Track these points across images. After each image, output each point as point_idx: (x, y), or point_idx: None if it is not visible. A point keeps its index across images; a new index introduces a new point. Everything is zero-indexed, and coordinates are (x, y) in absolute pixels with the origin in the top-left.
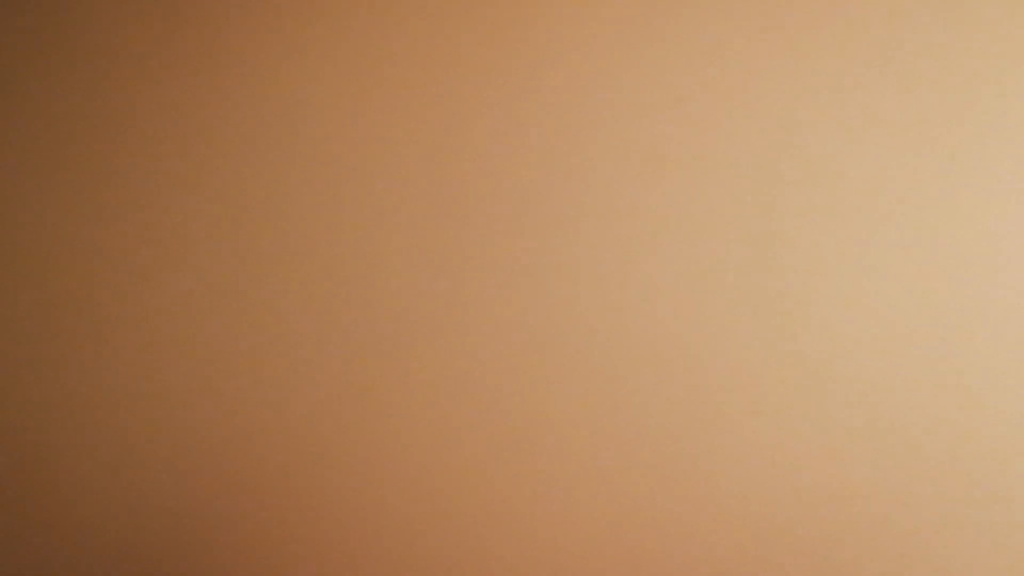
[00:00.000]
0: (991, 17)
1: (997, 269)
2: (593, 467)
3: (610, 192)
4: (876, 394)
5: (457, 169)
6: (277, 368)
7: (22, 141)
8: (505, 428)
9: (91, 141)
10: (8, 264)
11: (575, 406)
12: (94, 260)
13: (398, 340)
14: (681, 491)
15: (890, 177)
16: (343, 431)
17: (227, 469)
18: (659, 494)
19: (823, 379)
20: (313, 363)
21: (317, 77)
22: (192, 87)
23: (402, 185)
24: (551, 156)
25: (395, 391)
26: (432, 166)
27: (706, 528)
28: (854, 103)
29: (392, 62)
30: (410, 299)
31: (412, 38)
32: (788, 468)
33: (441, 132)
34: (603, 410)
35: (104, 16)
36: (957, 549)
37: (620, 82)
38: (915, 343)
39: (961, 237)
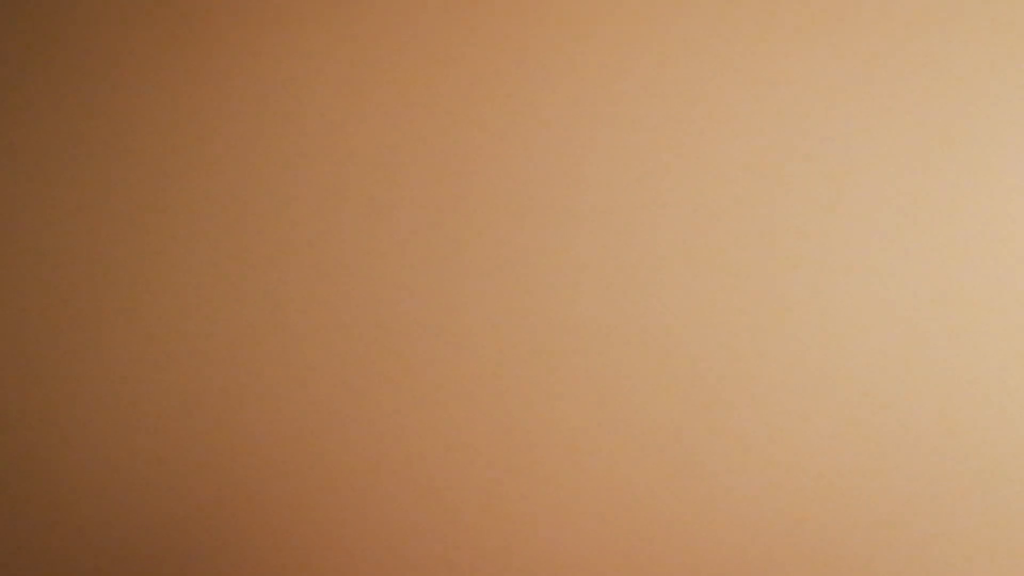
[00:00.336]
0: (992, 17)
1: (999, 268)
2: (594, 467)
3: (611, 192)
4: (878, 393)
5: (457, 169)
6: (278, 368)
7: (22, 141)
8: (506, 428)
9: (91, 141)
10: (8, 264)
11: (576, 406)
12: (95, 260)
13: (399, 340)
14: (682, 490)
15: (890, 176)
16: (343, 431)
17: (227, 469)
18: (660, 493)
19: (824, 378)
20: (314, 363)
21: (317, 78)
22: (192, 87)
23: (402, 185)
24: (551, 156)
25: (396, 391)
26: (432, 166)
27: (708, 527)
28: (854, 103)
29: (392, 62)
30: (411, 299)
31: (412, 38)
32: (790, 467)
33: (441, 132)
34: (603, 410)
35: (104, 16)
36: (958, 549)
37: (621, 82)
38: (917, 342)
39: (962, 236)
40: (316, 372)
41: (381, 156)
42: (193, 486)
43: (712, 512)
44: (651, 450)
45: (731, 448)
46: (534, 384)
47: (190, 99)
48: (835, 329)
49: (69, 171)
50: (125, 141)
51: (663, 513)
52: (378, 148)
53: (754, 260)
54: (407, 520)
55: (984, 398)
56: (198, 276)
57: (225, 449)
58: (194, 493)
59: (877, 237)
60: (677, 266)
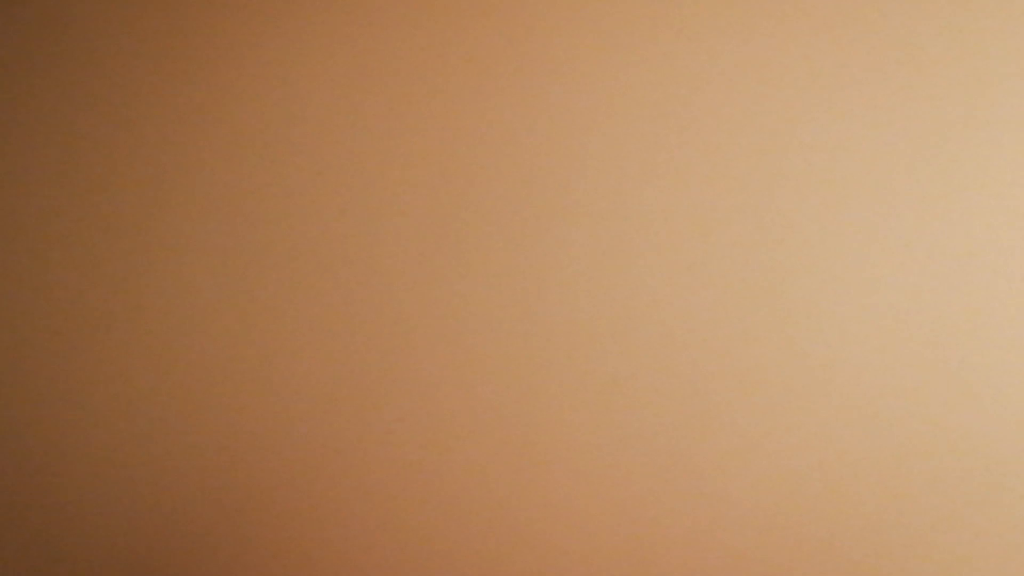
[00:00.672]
0: (992, 17)
1: (999, 268)
2: (594, 467)
3: (610, 192)
4: (877, 394)
5: (457, 169)
6: (278, 368)
7: (22, 141)
8: (506, 428)
9: (91, 141)
10: (8, 264)
11: (576, 406)
12: (95, 261)
13: (399, 341)
14: (681, 490)
15: (890, 176)
16: (344, 432)
17: (228, 469)
18: (660, 493)
19: (824, 378)
20: (314, 363)
21: (317, 78)
22: (193, 87)
23: (402, 186)
24: (551, 155)
25: (396, 392)
26: (432, 166)
27: (707, 527)
28: (854, 103)
29: (392, 63)
30: (411, 300)
31: (411, 39)
32: (790, 468)
33: (441, 133)
34: (603, 410)
35: (104, 16)
36: (958, 549)
37: (620, 82)
38: (916, 343)
39: (963, 237)
40: (316, 372)
41: (381, 156)
42: (193, 486)
43: (712, 512)
44: (651, 450)
45: (730, 448)
46: (534, 384)
47: (190, 99)
48: (834, 330)
49: (69, 171)
50: (125, 141)
51: (663, 513)
52: (378, 148)
53: (754, 260)
54: (407, 520)
55: (984, 398)
56: (198, 276)
57: (225, 449)
58: (194, 493)
59: (876, 237)
60: (678, 266)
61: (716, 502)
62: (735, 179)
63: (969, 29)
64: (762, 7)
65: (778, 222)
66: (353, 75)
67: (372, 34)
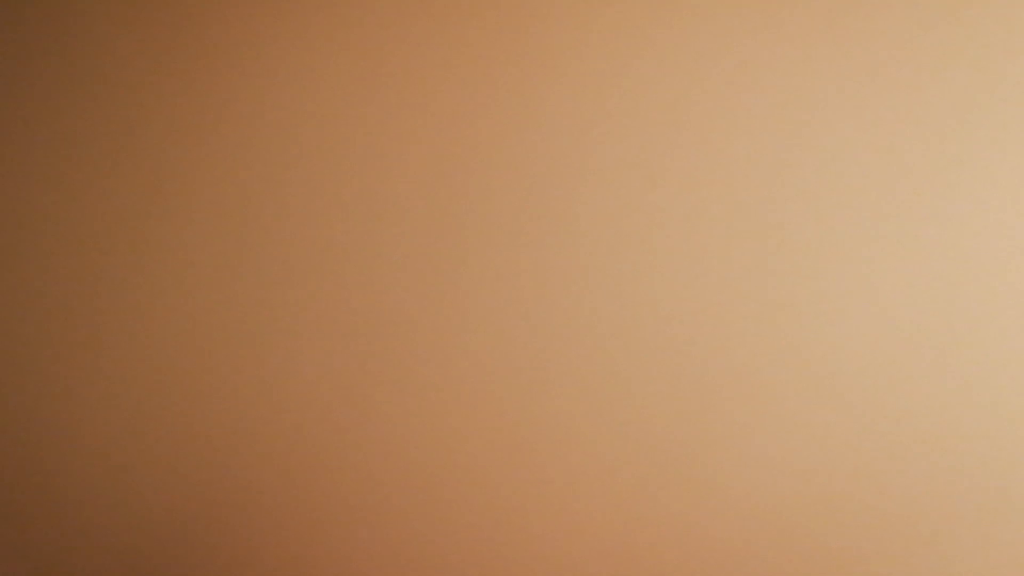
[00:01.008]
0: (992, 17)
1: (1001, 269)
2: (594, 468)
3: (611, 192)
4: (880, 394)
5: (458, 169)
6: (278, 369)
7: (22, 141)
8: (507, 429)
9: (91, 141)
10: (8, 264)
11: (577, 407)
12: (94, 261)
13: (399, 341)
14: (682, 490)
15: (893, 177)
16: (344, 432)
17: (227, 470)
18: (661, 493)
19: (826, 379)
20: (314, 364)
21: (317, 78)
22: (193, 86)
23: (403, 186)
24: (552, 155)
25: (396, 392)
26: (433, 167)
27: (708, 528)
28: (856, 103)
29: (393, 63)
30: (411, 300)
31: (412, 39)
32: (791, 468)
33: (442, 133)
34: (604, 411)
35: (104, 15)
36: (959, 549)
37: (621, 83)
38: (919, 343)
39: (965, 237)
40: (316, 372)
41: (382, 156)
42: (193, 486)
43: (714, 512)
44: (651, 451)
45: (731, 448)
46: (536, 385)
47: (189, 99)
48: (838, 329)
49: (69, 171)
50: (124, 141)
51: (664, 513)
52: (379, 149)
53: (756, 261)
54: (407, 520)
55: (987, 398)
56: (198, 276)
57: (226, 450)
58: (194, 495)
59: (880, 238)
60: (679, 266)
61: (717, 502)
62: (736, 179)
63: (970, 29)
64: (764, 7)
65: (780, 222)
66: (354, 75)
67: (373, 33)
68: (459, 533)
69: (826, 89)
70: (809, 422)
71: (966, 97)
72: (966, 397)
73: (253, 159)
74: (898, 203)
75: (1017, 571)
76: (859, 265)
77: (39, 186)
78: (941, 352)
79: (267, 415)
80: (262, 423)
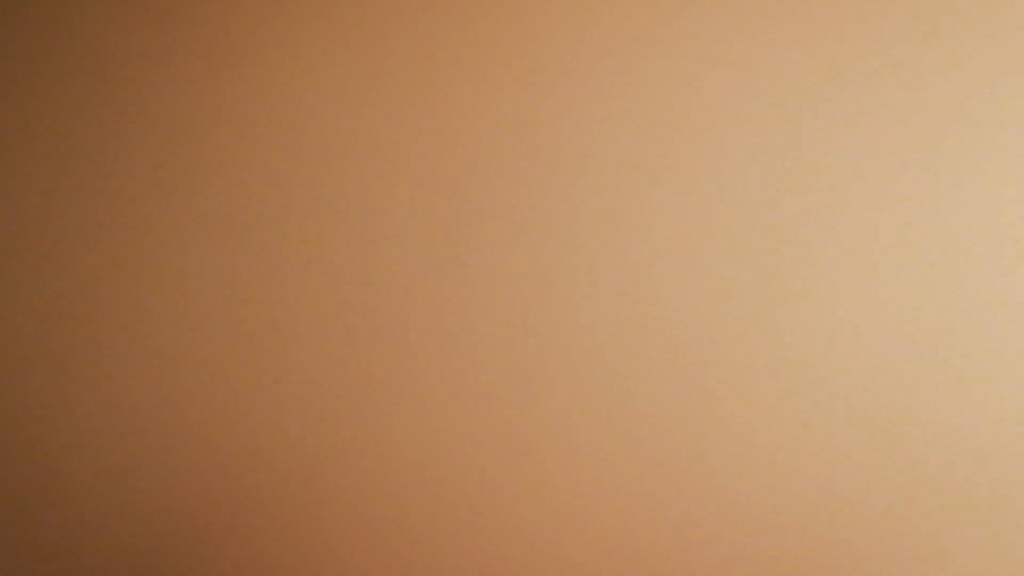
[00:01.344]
0: (993, 17)
1: (1000, 269)
2: (594, 468)
3: (611, 192)
4: (880, 394)
5: (458, 169)
6: (278, 369)
7: (22, 141)
8: (507, 429)
9: (91, 141)
10: (8, 264)
11: (577, 407)
12: (95, 261)
13: (400, 341)
14: (682, 490)
15: (892, 177)
16: (344, 432)
17: (227, 470)
18: (661, 493)
19: (826, 379)
20: (314, 364)
21: (317, 78)
22: (193, 86)
23: (403, 186)
24: (552, 155)
25: (397, 392)
26: (433, 167)
27: (708, 528)
28: (855, 104)
29: (393, 63)
30: (412, 300)
31: (412, 39)
32: (791, 468)
33: (442, 133)
34: (604, 411)
35: (104, 15)
36: (959, 549)
37: (622, 83)
38: (919, 343)
39: (964, 238)
40: (317, 372)
41: (382, 156)
42: (193, 486)
43: (714, 512)
44: (651, 450)
45: (731, 448)
46: (536, 385)
47: (189, 99)
48: (837, 330)
49: (69, 171)
50: (124, 141)
51: (664, 513)
52: (379, 148)
53: (756, 261)
54: (408, 520)
55: (987, 398)
56: (198, 276)
57: (226, 450)
58: (194, 493)
59: (879, 238)
60: (679, 266)
61: (717, 502)
62: (736, 179)
63: (970, 29)
64: (765, 7)
65: (780, 222)
66: (354, 75)
67: (373, 33)
68: (459, 533)
69: (826, 89)
70: (809, 422)
71: (966, 97)
72: (966, 397)
73: (253, 159)
74: (898, 203)
75: (1017, 571)
76: (859, 265)
77: (39, 186)
78: (941, 352)
79: (267, 415)
80: (262, 423)
